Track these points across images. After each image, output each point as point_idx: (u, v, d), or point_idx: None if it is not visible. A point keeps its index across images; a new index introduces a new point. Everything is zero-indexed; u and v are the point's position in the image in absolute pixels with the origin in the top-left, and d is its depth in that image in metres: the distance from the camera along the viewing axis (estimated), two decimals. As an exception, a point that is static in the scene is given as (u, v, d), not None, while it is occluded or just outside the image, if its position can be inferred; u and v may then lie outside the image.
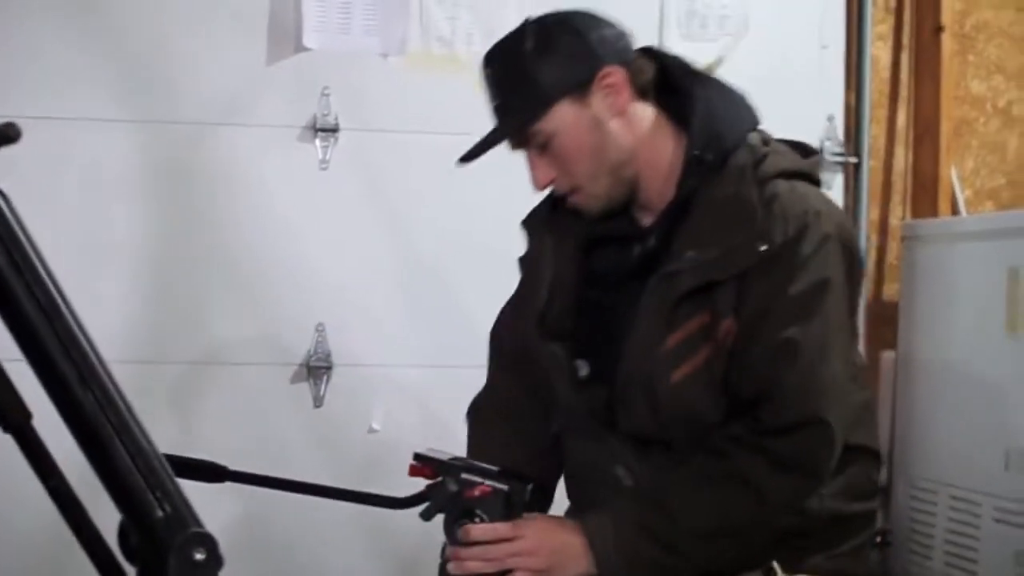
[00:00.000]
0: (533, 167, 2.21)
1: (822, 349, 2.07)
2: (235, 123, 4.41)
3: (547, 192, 2.33)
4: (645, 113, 2.23)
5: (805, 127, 4.93)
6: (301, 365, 4.42)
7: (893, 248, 5.31)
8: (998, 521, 4.45)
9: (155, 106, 4.34)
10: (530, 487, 2.03)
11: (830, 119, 4.94)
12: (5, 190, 1.49)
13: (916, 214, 5.32)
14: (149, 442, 1.51)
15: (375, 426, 4.43)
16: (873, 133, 5.19)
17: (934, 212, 5.26)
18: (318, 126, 4.34)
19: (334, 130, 4.35)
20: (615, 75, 2.18)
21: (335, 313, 3.73)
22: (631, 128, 2.20)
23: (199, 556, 1.49)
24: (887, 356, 5.22)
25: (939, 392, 4.79)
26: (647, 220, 2.26)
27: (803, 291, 2.08)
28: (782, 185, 2.17)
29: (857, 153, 5.04)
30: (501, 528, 2.01)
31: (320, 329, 4.26)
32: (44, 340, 1.46)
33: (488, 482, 2.01)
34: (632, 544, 2.05)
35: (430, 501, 2.04)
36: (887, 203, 5.35)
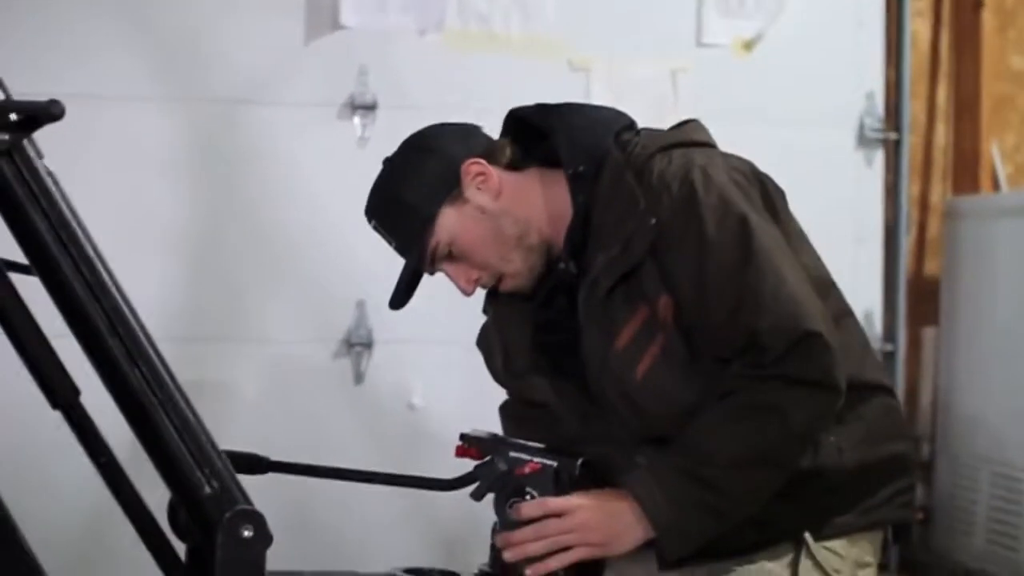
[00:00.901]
0: (454, 277, 2.27)
1: (775, 275, 2.07)
2: (273, 101, 4.42)
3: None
4: (524, 180, 2.30)
5: (844, 104, 4.91)
6: (342, 342, 4.44)
7: (934, 224, 5.28)
8: (1041, 498, 4.44)
9: (192, 84, 4.34)
10: (580, 462, 2.02)
11: (869, 96, 4.90)
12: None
13: (957, 190, 5.29)
14: (197, 419, 1.52)
15: (416, 402, 4.43)
16: (913, 109, 5.15)
17: (975, 188, 5.23)
18: (356, 104, 4.35)
19: (372, 107, 4.36)
20: (476, 165, 2.25)
21: (376, 290, 3.72)
22: (516, 200, 2.27)
23: (247, 533, 1.49)
24: (929, 332, 5.21)
25: (981, 368, 4.76)
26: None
27: (723, 234, 2.08)
28: (657, 159, 2.20)
29: (897, 129, 5.00)
30: (552, 503, 2.01)
31: (361, 306, 4.27)
32: (91, 317, 1.47)
33: (537, 459, 2.01)
34: (677, 492, 2.05)
35: (479, 481, 2.03)
36: (928, 180, 5.32)
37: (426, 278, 2.27)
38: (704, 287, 2.07)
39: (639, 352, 2.12)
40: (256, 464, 1.83)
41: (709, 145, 2.28)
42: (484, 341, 2.39)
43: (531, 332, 2.31)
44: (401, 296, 2.27)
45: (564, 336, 2.25)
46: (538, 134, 2.28)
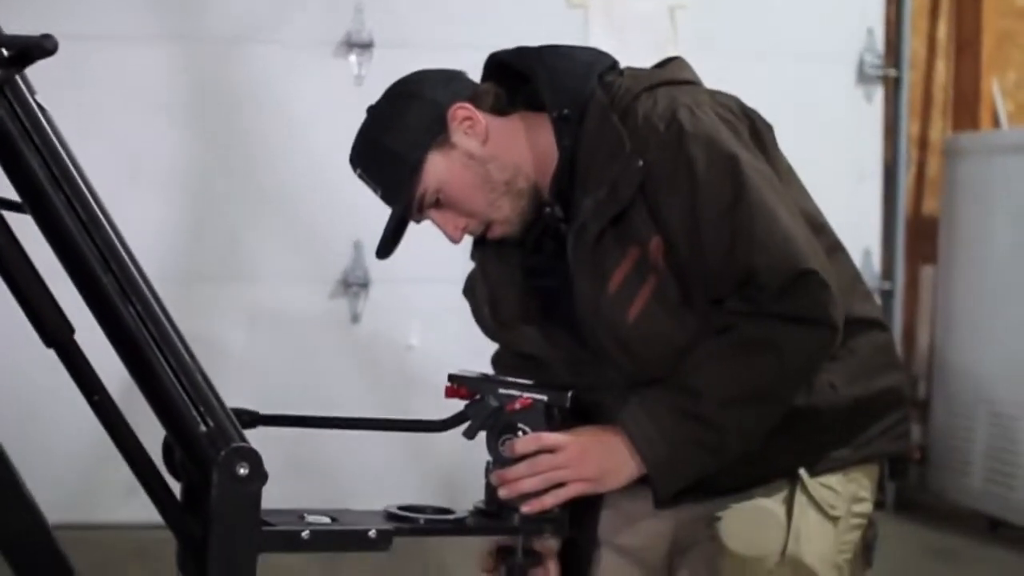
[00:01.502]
0: (441, 225, 2.24)
1: (767, 214, 2.06)
2: (269, 40, 4.40)
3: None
4: (510, 124, 2.27)
5: (844, 40, 4.89)
6: (339, 282, 4.44)
7: (933, 163, 5.26)
8: (1038, 436, 4.45)
9: (187, 23, 4.32)
10: (570, 394, 2.02)
11: (869, 32, 4.88)
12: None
13: (957, 128, 5.27)
14: (192, 357, 1.51)
15: (413, 342, 4.44)
16: (913, 46, 5.12)
17: (975, 126, 5.20)
18: (352, 42, 4.33)
19: (369, 46, 4.34)
20: (462, 109, 2.22)
21: (373, 230, 3.72)
22: (503, 145, 2.24)
23: (242, 471, 1.49)
24: (927, 271, 5.21)
25: (979, 307, 4.76)
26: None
27: (713, 174, 2.07)
28: (642, 100, 2.18)
29: (897, 66, 4.97)
30: (546, 438, 2.01)
31: (358, 246, 4.27)
32: (85, 254, 1.46)
33: (527, 394, 2.01)
34: (670, 429, 2.05)
35: (471, 420, 2.03)
36: (927, 117, 5.30)
37: (423, 223, 2.25)
38: (696, 228, 2.05)
39: (631, 295, 2.10)
40: (247, 419, 1.82)
41: (694, 83, 2.26)
42: (471, 291, 2.37)
43: (520, 278, 2.29)
44: (388, 245, 2.24)
45: (554, 281, 2.24)
46: (520, 78, 2.26)
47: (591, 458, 2.03)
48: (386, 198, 2.20)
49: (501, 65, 2.28)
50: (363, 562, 3.82)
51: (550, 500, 1.98)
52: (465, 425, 1.99)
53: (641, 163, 2.09)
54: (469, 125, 2.18)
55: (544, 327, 2.26)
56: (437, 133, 2.18)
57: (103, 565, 3.75)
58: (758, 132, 2.18)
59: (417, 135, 2.18)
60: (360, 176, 2.22)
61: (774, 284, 2.01)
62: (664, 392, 2.06)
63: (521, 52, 2.27)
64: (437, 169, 2.17)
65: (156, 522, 1.58)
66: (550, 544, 2.23)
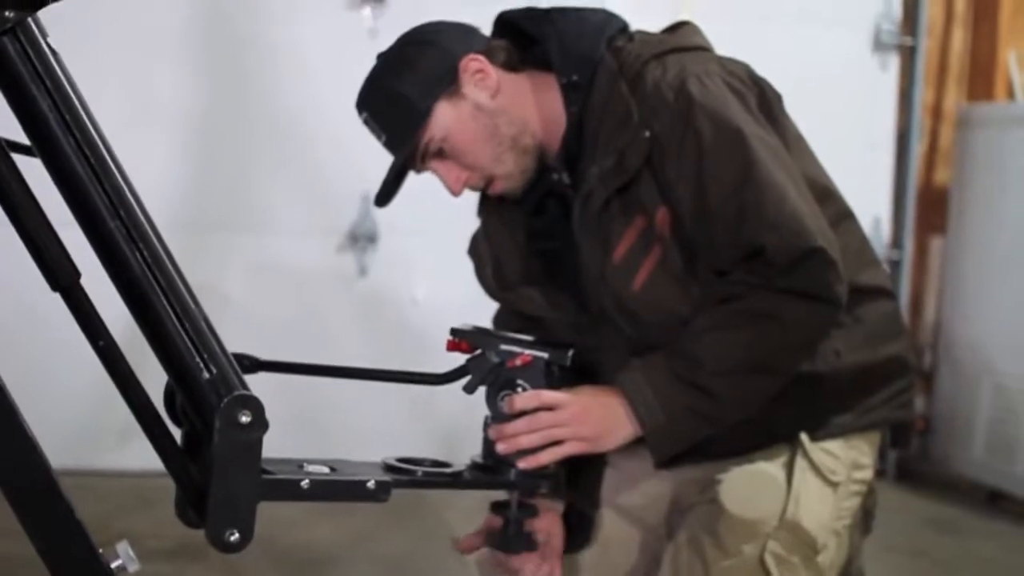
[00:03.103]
0: (443, 176, 2.22)
1: (775, 190, 2.05)
2: (283, -12, 4.39)
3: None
4: (519, 82, 2.25)
5: (861, 7, 4.87)
6: (346, 235, 4.44)
7: (946, 132, 5.24)
8: (1042, 409, 4.46)
9: (202, -31, 4.31)
10: (571, 353, 2.02)
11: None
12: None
13: (971, 98, 5.25)
14: (196, 304, 1.51)
15: (418, 296, 4.45)
16: (931, 14, 5.09)
17: (990, 97, 5.18)
18: (367, -8, 4.32)
19: (383, -1, 4.33)
20: (475, 61, 2.21)
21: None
22: (513, 101, 2.23)
23: (244, 418, 1.49)
24: (936, 241, 5.20)
25: (987, 279, 4.76)
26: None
27: (721, 148, 2.06)
28: (651, 67, 2.16)
29: (913, 34, 4.95)
30: (546, 395, 2.01)
31: (366, 199, 4.27)
32: (92, 198, 1.45)
33: (528, 351, 2.01)
34: (668, 394, 2.05)
35: (471, 374, 2.03)
36: (942, 86, 5.27)
37: (432, 178, 2.24)
38: (704, 202, 2.05)
39: (636, 264, 2.10)
40: (248, 365, 1.82)
41: (704, 49, 2.24)
42: (475, 250, 2.37)
43: (523, 240, 2.29)
44: (388, 192, 2.23)
45: (557, 244, 2.24)
46: (528, 38, 2.25)
47: (589, 418, 2.03)
48: (390, 144, 2.19)
49: (509, 25, 2.27)
50: (365, 515, 3.86)
51: (547, 457, 1.98)
52: (465, 379, 1.99)
53: (649, 134, 2.08)
54: (480, 77, 2.18)
55: (546, 289, 2.27)
56: (448, 82, 2.17)
57: (106, 513, 3.78)
58: (767, 101, 2.17)
59: (428, 82, 2.17)
60: (365, 121, 2.21)
61: (781, 261, 2.01)
62: (665, 357, 2.06)
63: (530, 13, 2.26)
64: (445, 118, 2.16)
65: (153, 469, 1.58)
66: (554, 506, 2.24)
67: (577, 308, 2.22)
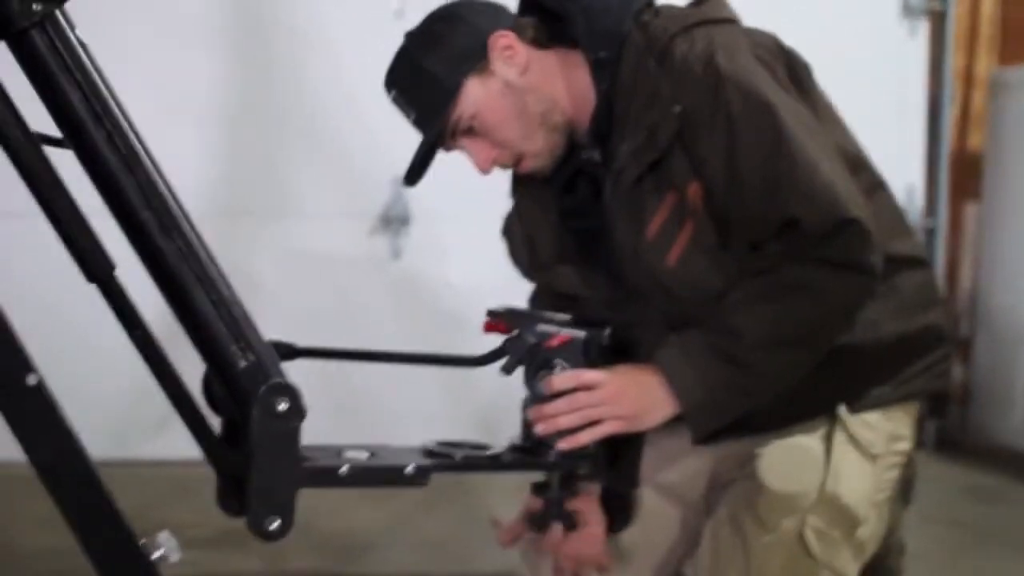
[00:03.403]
0: (472, 153, 2.22)
1: (807, 161, 2.03)
2: (309, -27, 4.39)
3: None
4: (548, 59, 2.24)
5: (890, -27, 4.84)
6: (379, 217, 4.44)
7: (978, 98, 5.20)
8: (1081, 375, 4.43)
9: (227, -44, 4.31)
10: (607, 332, 2.01)
11: (916, -35, 4.84)
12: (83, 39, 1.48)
13: (1003, 62, 5.20)
14: (231, 292, 1.52)
15: (453, 278, 4.45)
16: (960, -22, 5.06)
17: (1022, 60, 5.14)
18: (394, -26, 4.31)
19: (409, -23, 4.32)
20: (504, 38, 2.19)
21: (412, 166, 3.74)
22: (542, 78, 2.21)
23: (282, 406, 1.49)
24: (971, 208, 5.16)
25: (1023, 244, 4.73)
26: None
27: (751, 120, 2.04)
28: (679, 41, 2.15)
29: (943, -1, 4.92)
30: (584, 375, 2.00)
31: (398, 182, 4.26)
32: (125, 189, 1.46)
33: (565, 330, 2.00)
34: (706, 370, 2.05)
35: (509, 355, 2.03)
36: (973, 51, 5.23)
37: (464, 160, 2.24)
38: (736, 175, 2.04)
39: (670, 239, 2.09)
40: (285, 351, 1.82)
41: (731, 21, 2.23)
42: (508, 231, 2.37)
43: (556, 219, 2.29)
44: (416, 171, 2.23)
45: (590, 222, 2.23)
46: (554, 16, 2.24)
47: (628, 397, 2.02)
48: (419, 122, 2.19)
49: (535, 3, 2.26)
50: (406, 500, 3.86)
51: (586, 437, 1.97)
52: (503, 360, 1.98)
53: (679, 109, 2.07)
54: (510, 54, 2.17)
55: (580, 267, 2.26)
56: (478, 59, 2.16)
57: (146, 503, 3.79)
58: (796, 71, 2.15)
59: (458, 59, 2.16)
60: (394, 99, 2.21)
61: (816, 232, 2.00)
62: (701, 333, 2.05)
63: None
64: (474, 95, 2.15)
65: (193, 458, 1.59)
66: (592, 489, 2.24)
67: (612, 286, 2.21)
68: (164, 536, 1.45)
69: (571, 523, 2.10)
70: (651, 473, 2.28)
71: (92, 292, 1.49)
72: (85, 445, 1.40)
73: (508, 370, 1.99)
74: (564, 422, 1.96)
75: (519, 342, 1.99)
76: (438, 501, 3.82)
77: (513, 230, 2.34)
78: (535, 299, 2.39)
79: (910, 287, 2.19)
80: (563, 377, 1.97)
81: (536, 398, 1.98)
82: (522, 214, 2.32)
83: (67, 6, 1.46)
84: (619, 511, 2.26)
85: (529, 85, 2.18)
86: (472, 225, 4.01)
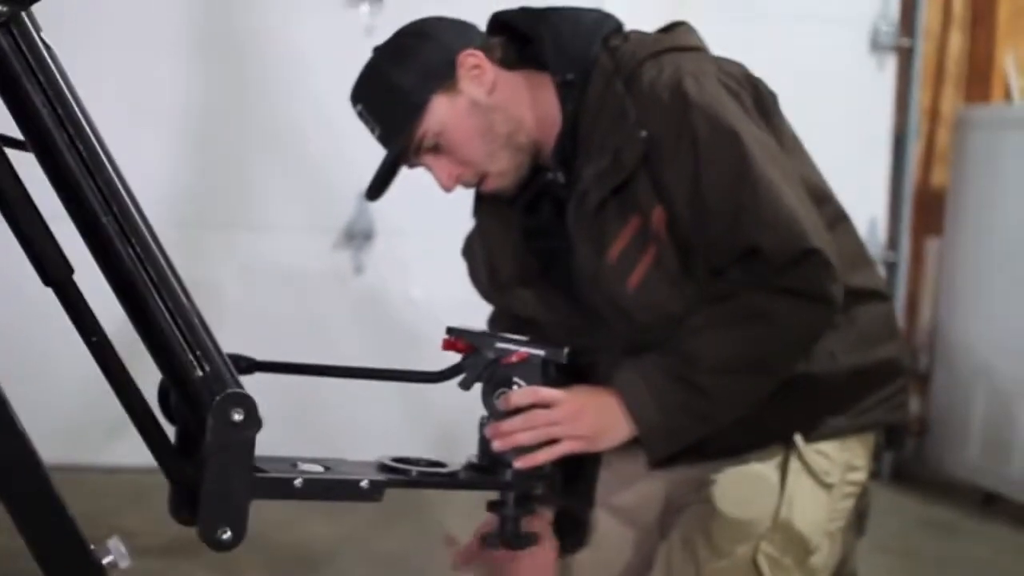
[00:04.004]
0: (436, 171, 2.21)
1: (771, 190, 2.05)
2: (281, -15, 4.39)
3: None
4: (516, 80, 2.25)
5: (859, 7, 4.87)
6: (342, 232, 4.44)
7: (943, 135, 5.24)
8: (1037, 412, 4.45)
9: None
10: (566, 351, 2.01)
11: (885, 0, 4.86)
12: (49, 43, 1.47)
13: (968, 100, 5.24)
14: (190, 301, 1.51)
15: (415, 294, 4.44)
16: (928, 16, 5.09)
17: (987, 99, 5.18)
18: (364, -9, 4.32)
19: (380, -4, 4.33)
20: (473, 56, 2.20)
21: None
22: (509, 98, 2.22)
23: (237, 416, 1.48)
24: (933, 243, 5.19)
25: (983, 282, 4.76)
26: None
27: (717, 148, 2.05)
28: (647, 67, 2.16)
29: (911, 35, 4.95)
30: (542, 392, 2.00)
31: (362, 197, 4.25)
32: (85, 194, 1.45)
33: (524, 348, 2.00)
34: (664, 393, 2.05)
35: (467, 371, 2.02)
36: (939, 88, 5.27)
37: (428, 176, 2.23)
38: (700, 201, 2.04)
39: (631, 264, 2.10)
40: (244, 365, 1.81)
41: (699, 49, 2.24)
42: (469, 251, 2.36)
43: (517, 239, 2.28)
44: (379, 186, 2.22)
45: (552, 243, 2.23)
46: (524, 38, 2.24)
47: (585, 417, 2.02)
48: (384, 137, 2.18)
49: (504, 24, 2.26)
50: (360, 515, 3.85)
51: (543, 456, 1.97)
52: (461, 377, 1.98)
53: (644, 133, 2.08)
54: (477, 73, 2.17)
55: (541, 290, 2.26)
56: (445, 76, 2.16)
57: (99, 509, 3.77)
58: (763, 100, 2.16)
59: (425, 75, 2.16)
60: (360, 113, 2.20)
61: (777, 260, 2.00)
62: (660, 356, 2.06)
63: (525, 12, 2.25)
64: (440, 112, 2.15)
65: (146, 465, 1.58)
66: (545, 511, 2.24)
67: (572, 308, 2.21)
68: (114, 542, 1.44)
69: (526, 542, 2.10)
70: (606, 495, 2.28)
71: (47, 296, 1.48)
72: (38, 449, 1.39)
73: (466, 386, 1.99)
74: (521, 439, 1.95)
75: (477, 358, 1.98)
76: (393, 517, 3.81)
77: (474, 250, 2.34)
78: (494, 321, 2.38)
79: (869, 319, 2.21)
80: (521, 393, 1.96)
81: (493, 415, 1.98)
82: (483, 234, 2.32)
83: (36, 11, 1.45)
84: (572, 532, 2.27)
85: (496, 104, 2.18)
86: (435, 241, 4.01)
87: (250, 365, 1.83)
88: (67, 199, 1.46)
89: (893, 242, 5.01)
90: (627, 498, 2.28)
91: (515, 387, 1.98)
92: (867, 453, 2.24)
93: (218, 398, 1.48)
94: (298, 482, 1.64)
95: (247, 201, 4.42)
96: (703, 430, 2.06)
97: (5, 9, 1.41)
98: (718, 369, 2.02)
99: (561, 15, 2.23)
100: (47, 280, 1.46)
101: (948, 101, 5.27)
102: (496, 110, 2.17)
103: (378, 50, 2.21)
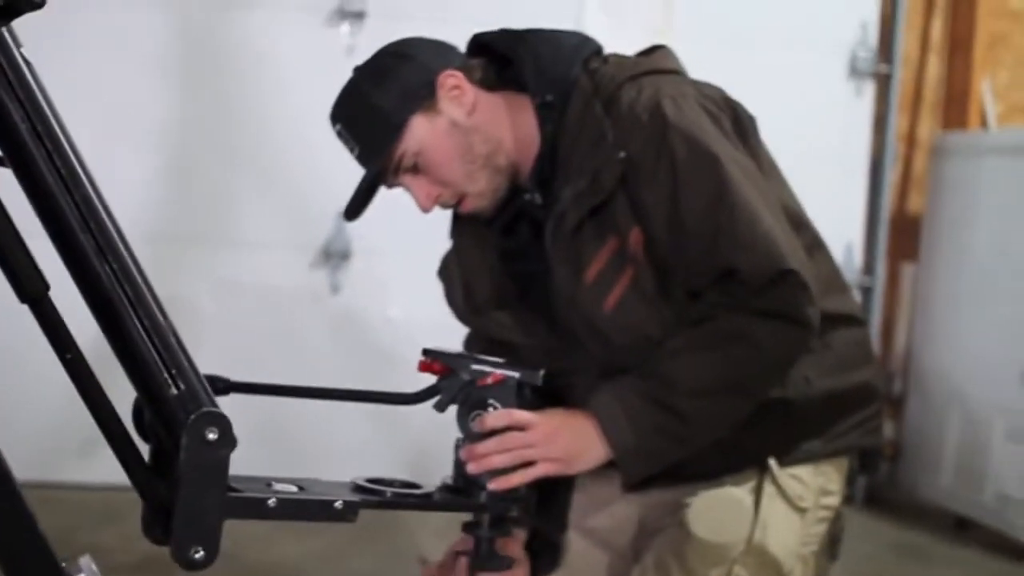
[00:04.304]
0: (414, 191, 2.21)
1: (749, 212, 2.05)
2: (261, 5, 4.39)
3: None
4: (495, 101, 2.25)
5: (837, 33, 4.89)
6: (320, 251, 4.43)
7: (920, 160, 5.27)
8: (1010, 438, 4.46)
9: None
10: (542, 373, 2.01)
11: (863, 26, 4.88)
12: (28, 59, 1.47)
13: (945, 126, 5.27)
14: (166, 319, 1.50)
15: (392, 314, 4.44)
16: (907, 42, 5.12)
17: (964, 125, 5.21)
18: (345, 11, 4.32)
19: (361, 16, 4.33)
20: (452, 77, 2.20)
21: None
22: (488, 119, 2.22)
23: (211, 435, 1.48)
24: (908, 268, 5.22)
25: (958, 306, 4.77)
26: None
27: (695, 171, 2.05)
28: (626, 89, 2.17)
29: (889, 62, 4.98)
30: (517, 414, 1.99)
31: (340, 216, 4.25)
32: (63, 210, 1.45)
33: (500, 370, 2.00)
34: (640, 416, 2.05)
35: (442, 392, 2.02)
36: (916, 114, 5.31)
37: (407, 195, 2.23)
38: (677, 223, 2.05)
39: (608, 285, 2.10)
40: (219, 386, 1.81)
41: (678, 72, 2.25)
42: (445, 272, 2.36)
43: (494, 260, 2.28)
44: (357, 206, 2.22)
45: (529, 264, 2.23)
46: (503, 59, 2.25)
47: (560, 439, 2.02)
48: (363, 157, 2.18)
49: (484, 46, 2.26)
50: (333, 535, 3.84)
51: (517, 479, 1.97)
52: (436, 399, 1.98)
53: (623, 155, 2.08)
54: (457, 94, 2.17)
55: (517, 313, 2.26)
56: (425, 97, 2.16)
57: (71, 526, 3.75)
58: (741, 124, 2.17)
59: (405, 96, 2.16)
60: (339, 133, 2.20)
61: (755, 283, 2.01)
62: (636, 379, 2.06)
63: (505, 34, 2.25)
64: (420, 132, 2.15)
65: (119, 483, 1.57)
66: (518, 533, 2.23)
67: (549, 331, 2.21)
68: (85, 560, 1.43)
69: (500, 564, 2.09)
70: (580, 518, 2.28)
71: (22, 313, 1.47)
72: (11, 465, 1.38)
73: (441, 407, 1.99)
74: (496, 461, 1.96)
75: (453, 380, 1.99)
76: (366, 537, 3.80)
77: (450, 271, 2.34)
78: (469, 343, 2.38)
79: (844, 344, 2.21)
80: (496, 415, 1.97)
81: (468, 437, 1.98)
82: (460, 255, 2.32)
83: (16, 25, 1.45)
84: (545, 554, 2.26)
85: (475, 125, 2.18)
86: (413, 261, 4.01)
87: (227, 386, 1.82)
88: (44, 216, 1.45)
89: (869, 267, 5.03)
90: (601, 521, 2.28)
91: (491, 409, 1.98)
92: (841, 477, 2.24)
93: (193, 417, 1.48)
94: (272, 502, 1.64)
95: (225, 218, 4.41)
96: (679, 452, 2.06)
97: (-16, 25, 1.41)
98: (695, 392, 2.02)
99: (541, 37, 2.23)
100: (23, 297, 1.46)
101: (925, 127, 5.30)
102: (475, 131, 2.17)
103: (358, 70, 2.21)
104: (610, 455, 2.04)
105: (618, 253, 2.09)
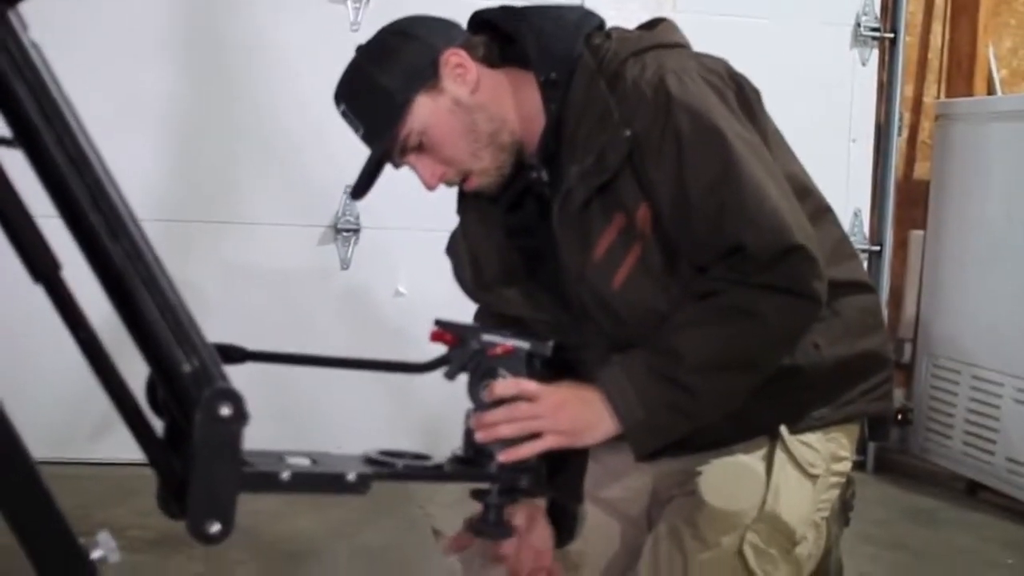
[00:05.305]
0: (419, 170, 2.21)
1: (755, 187, 2.05)
2: (266, -18, 4.39)
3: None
4: (499, 78, 2.25)
5: (841, 2, 4.88)
6: (328, 227, 4.44)
7: (926, 127, 5.26)
8: (1019, 402, 4.47)
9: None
10: (551, 344, 2.02)
11: (868, -7, 4.88)
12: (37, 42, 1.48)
13: (951, 93, 5.26)
14: (177, 296, 1.51)
15: (401, 289, 4.45)
16: (910, 8, 5.11)
17: (969, 91, 5.20)
18: (349, -12, 4.32)
19: (365, -8, 4.33)
20: (456, 55, 2.20)
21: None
22: (492, 97, 2.22)
23: (225, 411, 1.49)
24: (915, 235, 5.21)
25: (966, 272, 4.78)
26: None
27: (701, 145, 2.05)
28: (630, 65, 2.16)
29: (893, 29, 4.97)
30: (525, 384, 2.00)
31: (348, 191, 4.26)
32: (73, 191, 1.45)
33: (510, 341, 2.01)
34: (648, 390, 2.05)
35: (453, 361, 2.03)
36: (922, 81, 5.29)
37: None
38: (684, 199, 2.05)
39: (616, 262, 2.10)
40: (233, 354, 1.82)
41: (682, 46, 2.25)
42: (453, 249, 2.36)
43: (501, 238, 2.29)
44: (363, 186, 2.22)
45: (536, 241, 2.24)
46: (505, 36, 2.25)
47: (568, 411, 2.03)
48: (367, 137, 2.19)
49: (485, 23, 2.26)
50: (346, 508, 3.86)
51: (526, 451, 1.98)
52: (447, 367, 1.99)
53: (629, 132, 2.08)
54: (460, 72, 2.17)
55: (526, 289, 2.26)
56: (428, 76, 2.16)
57: (88, 503, 3.78)
58: (746, 97, 2.17)
59: (408, 75, 2.16)
60: (343, 113, 2.20)
61: (761, 257, 2.01)
62: (644, 354, 2.06)
63: (506, 11, 2.25)
64: (424, 112, 2.15)
65: (135, 459, 1.58)
66: (538, 503, 2.25)
67: (557, 307, 2.22)
68: (104, 537, 1.44)
69: (508, 531, 2.11)
70: (593, 488, 2.29)
71: (35, 294, 1.48)
72: (27, 444, 1.39)
73: (451, 375, 2.00)
74: (503, 431, 1.97)
75: (463, 350, 2.00)
76: (380, 510, 3.82)
77: (458, 248, 2.34)
78: (479, 319, 2.39)
79: (853, 311, 2.21)
80: (504, 384, 1.98)
81: (478, 407, 1.99)
82: (467, 232, 2.32)
83: (22, 8, 1.46)
84: (564, 525, 2.28)
85: (479, 103, 2.18)
86: (422, 237, 4.03)
87: (241, 355, 1.84)
88: (56, 196, 1.46)
89: (877, 234, 5.03)
90: (614, 491, 2.30)
91: (500, 378, 1.99)
92: (851, 443, 2.25)
93: (206, 393, 1.49)
94: (285, 476, 1.65)
95: (233, 197, 4.42)
96: (688, 426, 2.07)
97: (-8, 8, 1.42)
98: (703, 366, 2.02)
99: (543, 13, 2.23)
100: (36, 275, 1.47)
101: (931, 93, 5.29)
102: (479, 109, 2.17)
103: (361, 49, 2.21)
104: (618, 429, 2.04)
105: (625, 230, 2.09)
